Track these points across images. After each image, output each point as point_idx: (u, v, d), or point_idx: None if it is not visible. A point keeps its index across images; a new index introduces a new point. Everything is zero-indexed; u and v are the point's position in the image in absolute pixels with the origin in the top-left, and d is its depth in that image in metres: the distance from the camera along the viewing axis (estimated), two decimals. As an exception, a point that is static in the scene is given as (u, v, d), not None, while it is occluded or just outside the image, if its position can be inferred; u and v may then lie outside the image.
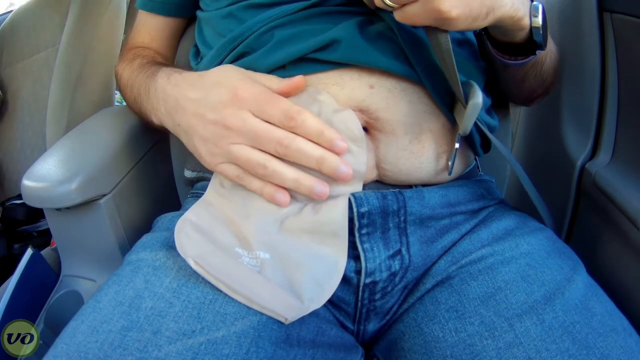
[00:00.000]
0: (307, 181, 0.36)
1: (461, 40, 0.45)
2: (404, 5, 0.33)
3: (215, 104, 0.37)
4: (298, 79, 0.37)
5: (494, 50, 0.43)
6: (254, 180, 0.37)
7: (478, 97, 0.37)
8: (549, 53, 0.46)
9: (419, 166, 0.41)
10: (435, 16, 0.32)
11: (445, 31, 0.35)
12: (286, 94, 0.38)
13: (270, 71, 0.40)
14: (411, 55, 0.38)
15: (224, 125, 0.36)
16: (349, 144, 0.38)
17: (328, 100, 0.38)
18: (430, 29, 0.35)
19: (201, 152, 0.39)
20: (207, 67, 0.43)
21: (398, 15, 0.34)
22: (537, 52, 0.41)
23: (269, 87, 0.37)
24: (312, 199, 0.38)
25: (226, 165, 0.38)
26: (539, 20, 0.38)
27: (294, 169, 0.36)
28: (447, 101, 0.40)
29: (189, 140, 0.40)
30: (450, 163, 0.42)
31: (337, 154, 0.35)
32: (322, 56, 0.39)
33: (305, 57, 0.39)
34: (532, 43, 0.40)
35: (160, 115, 0.44)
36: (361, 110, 0.39)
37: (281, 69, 0.41)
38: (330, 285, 0.36)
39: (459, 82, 0.37)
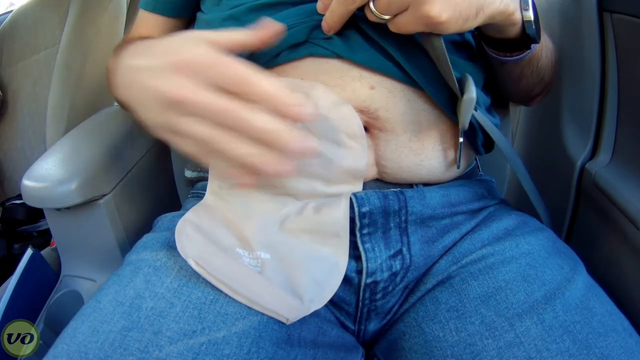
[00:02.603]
0: (261, 158, 0.29)
1: (459, 42, 0.45)
2: (395, 15, 0.34)
3: (159, 72, 0.31)
4: (269, 23, 0.33)
5: (489, 48, 0.43)
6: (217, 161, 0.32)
7: (472, 92, 0.37)
8: (544, 49, 0.46)
9: (419, 164, 0.41)
10: (425, 22, 0.33)
11: (439, 35, 0.35)
12: (261, 42, 0.33)
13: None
14: (404, 62, 0.39)
15: (165, 97, 0.30)
16: (348, 141, 0.38)
17: (324, 95, 0.38)
18: (424, 34, 0.36)
19: (153, 126, 0.33)
20: None
21: (392, 26, 0.35)
22: (532, 46, 0.41)
23: (239, 40, 0.33)
24: (314, 196, 0.38)
25: (185, 141, 0.32)
26: (530, 14, 0.38)
27: (248, 143, 0.29)
28: (445, 100, 0.40)
29: (140, 114, 0.34)
30: (457, 157, 0.42)
31: (293, 117, 0.29)
32: (320, 42, 0.39)
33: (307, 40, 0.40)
34: (526, 37, 0.40)
35: (113, 89, 0.39)
36: (361, 111, 0.39)
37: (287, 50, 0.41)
38: (331, 286, 0.36)
39: (455, 80, 0.37)
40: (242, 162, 0.30)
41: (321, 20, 0.39)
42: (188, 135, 0.31)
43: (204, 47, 0.31)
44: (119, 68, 0.36)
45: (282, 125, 0.28)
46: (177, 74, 0.30)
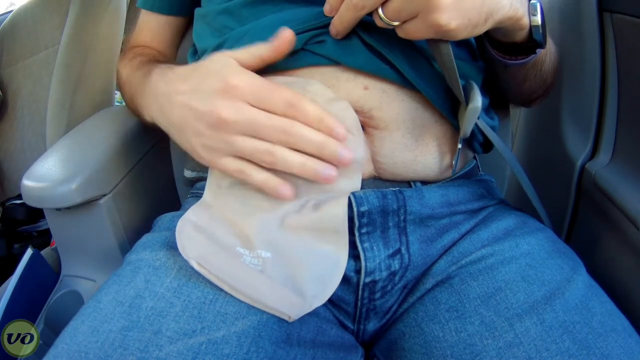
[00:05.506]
0: (314, 164, 0.35)
1: (459, 41, 0.45)
2: (404, 22, 0.33)
3: (207, 95, 0.35)
4: (285, 34, 0.36)
5: (495, 52, 0.43)
6: (256, 173, 0.36)
7: (477, 101, 0.37)
8: (548, 53, 0.46)
9: (414, 159, 0.41)
10: (435, 29, 0.33)
11: (447, 41, 0.35)
12: (280, 54, 0.37)
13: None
14: (401, 65, 0.39)
15: (218, 117, 0.34)
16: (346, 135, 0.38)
17: (321, 91, 0.38)
18: (432, 41, 0.36)
19: (196, 148, 0.37)
20: None
21: (400, 32, 0.34)
22: (538, 50, 0.41)
23: (260, 56, 0.37)
24: (314, 193, 0.38)
25: (226, 160, 0.36)
26: (537, 19, 0.38)
27: (298, 153, 0.35)
28: (442, 102, 0.40)
29: (182, 137, 0.38)
30: (454, 162, 0.42)
31: (337, 140, 0.35)
32: (314, 49, 0.39)
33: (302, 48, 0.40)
34: (532, 42, 0.40)
35: (152, 113, 0.42)
36: (356, 110, 0.39)
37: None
38: (332, 282, 0.36)
39: (460, 87, 0.37)
40: (296, 171, 0.35)
41: (316, 27, 0.39)
42: (240, 150, 0.35)
43: (246, 73, 0.35)
44: (155, 93, 0.41)
45: (334, 141, 0.35)
46: (224, 97, 0.35)
